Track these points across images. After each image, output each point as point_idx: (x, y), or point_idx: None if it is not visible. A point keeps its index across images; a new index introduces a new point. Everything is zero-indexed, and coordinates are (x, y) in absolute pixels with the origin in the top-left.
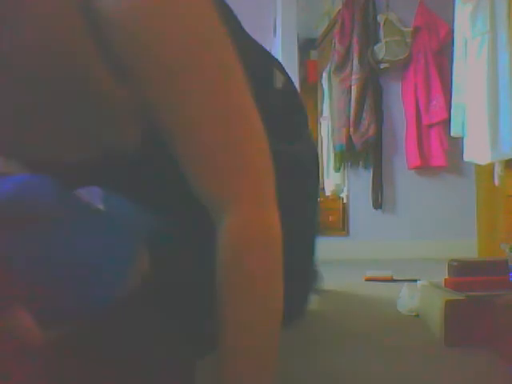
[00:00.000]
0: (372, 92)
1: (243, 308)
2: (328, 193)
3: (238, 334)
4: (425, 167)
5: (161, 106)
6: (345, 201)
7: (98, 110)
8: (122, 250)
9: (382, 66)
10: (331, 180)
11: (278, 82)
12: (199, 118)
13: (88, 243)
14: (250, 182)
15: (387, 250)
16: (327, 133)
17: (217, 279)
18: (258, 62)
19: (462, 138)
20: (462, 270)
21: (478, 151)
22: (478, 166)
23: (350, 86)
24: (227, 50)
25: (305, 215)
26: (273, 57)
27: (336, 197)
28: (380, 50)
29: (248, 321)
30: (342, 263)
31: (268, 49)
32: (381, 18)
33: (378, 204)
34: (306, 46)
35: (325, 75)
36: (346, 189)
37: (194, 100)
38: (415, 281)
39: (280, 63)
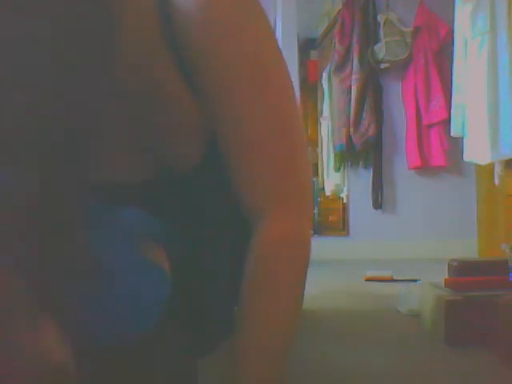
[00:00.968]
0: (372, 92)
1: (264, 307)
2: (328, 193)
3: (255, 329)
4: (425, 167)
5: (223, 116)
6: (345, 201)
7: (166, 124)
8: (160, 280)
9: (382, 65)
10: (331, 180)
11: None
12: (257, 130)
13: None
14: (294, 190)
15: (387, 250)
16: (327, 133)
17: (245, 275)
18: None
19: (462, 138)
20: (462, 270)
21: (478, 151)
22: (478, 165)
23: (350, 86)
24: (285, 70)
25: None
26: None
27: (336, 197)
28: (380, 50)
29: (267, 319)
30: (342, 263)
31: None
32: (381, 18)
33: (378, 204)
34: (306, 45)
35: (325, 75)
36: (345, 189)
37: (255, 112)
38: (415, 281)
39: None
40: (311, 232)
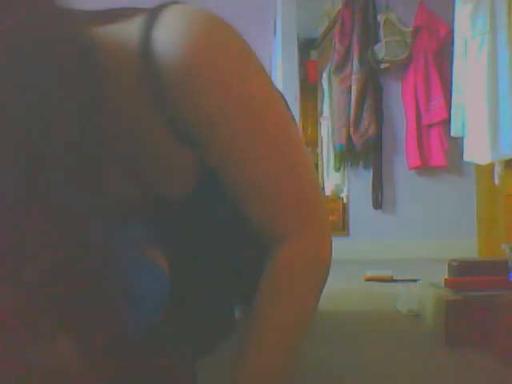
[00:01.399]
0: (372, 92)
1: (277, 320)
2: (328, 193)
3: (264, 342)
4: (425, 167)
5: (224, 159)
6: (345, 201)
7: (152, 162)
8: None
9: (382, 65)
10: (331, 180)
11: None
12: (264, 167)
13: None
14: (311, 213)
15: (387, 250)
16: (327, 133)
17: (260, 290)
18: None
19: (462, 138)
20: (462, 270)
21: (478, 151)
22: (478, 165)
23: (350, 86)
24: (275, 94)
25: None
26: None
27: (336, 197)
28: (380, 50)
29: (278, 333)
30: (342, 263)
31: (268, 50)
32: (381, 18)
33: (378, 204)
34: (306, 45)
35: (325, 75)
36: (345, 189)
37: (257, 150)
38: (415, 281)
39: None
40: (331, 251)
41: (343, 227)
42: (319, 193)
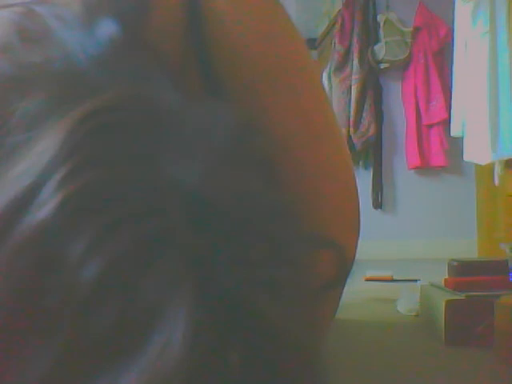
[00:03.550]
0: (372, 92)
1: None
2: None
3: None
4: (425, 167)
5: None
6: None
7: None
8: None
9: (382, 66)
10: None
11: None
12: (293, 134)
13: None
14: (338, 201)
15: (387, 250)
16: None
17: None
18: None
19: (462, 138)
20: (461, 270)
21: (478, 151)
22: (478, 165)
23: (350, 86)
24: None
25: None
26: None
27: None
28: (380, 50)
29: None
30: None
31: None
32: (381, 18)
33: (377, 204)
34: (306, 46)
35: (325, 75)
36: None
37: (290, 118)
38: (415, 281)
39: None
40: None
41: None
42: (352, 179)
